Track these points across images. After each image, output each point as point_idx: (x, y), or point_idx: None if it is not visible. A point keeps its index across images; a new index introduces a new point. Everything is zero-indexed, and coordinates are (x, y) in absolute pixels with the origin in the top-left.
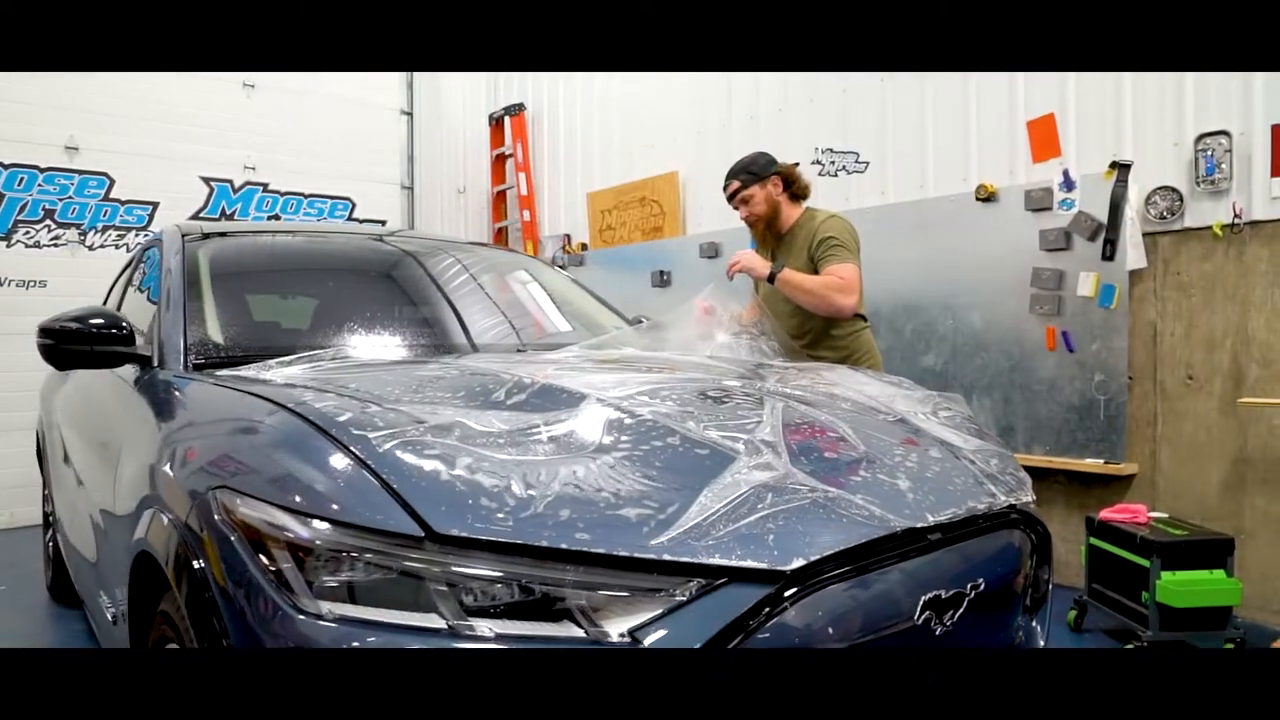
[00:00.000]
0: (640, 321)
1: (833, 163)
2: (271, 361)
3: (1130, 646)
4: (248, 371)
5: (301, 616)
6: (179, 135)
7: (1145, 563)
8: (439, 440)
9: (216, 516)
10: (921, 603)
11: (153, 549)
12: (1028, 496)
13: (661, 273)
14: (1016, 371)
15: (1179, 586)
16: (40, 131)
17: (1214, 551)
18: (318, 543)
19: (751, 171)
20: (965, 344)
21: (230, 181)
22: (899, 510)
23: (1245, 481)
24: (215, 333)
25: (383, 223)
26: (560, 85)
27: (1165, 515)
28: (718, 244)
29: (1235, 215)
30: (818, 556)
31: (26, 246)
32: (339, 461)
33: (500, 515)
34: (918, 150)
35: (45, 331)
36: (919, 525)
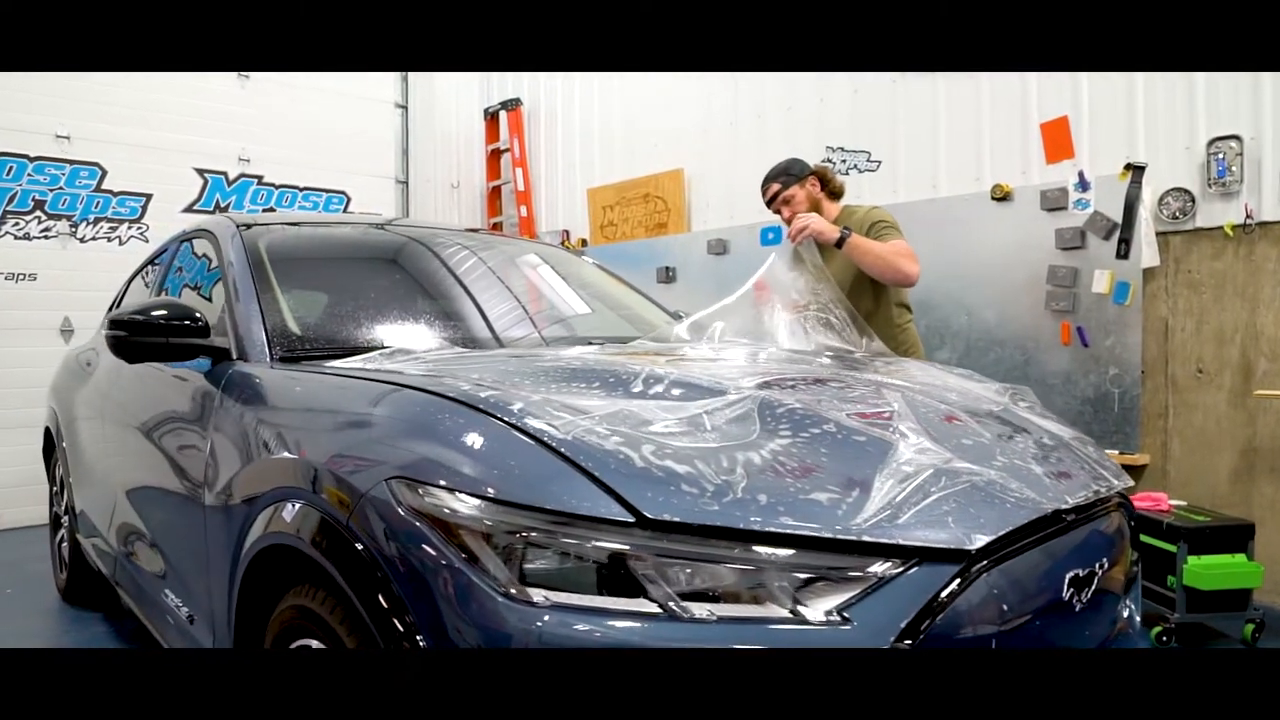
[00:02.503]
0: (680, 316)
1: (844, 161)
2: (375, 354)
3: (1158, 629)
4: (354, 363)
5: (511, 604)
6: (173, 125)
7: (1171, 548)
8: (616, 428)
9: (400, 509)
10: (1067, 580)
11: (295, 543)
12: (1129, 481)
13: (666, 269)
14: (1031, 366)
15: (1205, 570)
16: (30, 119)
17: (1236, 536)
18: (516, 531)
19: (791, 173)
20: (979, 339)
21: (225, 174)
22: (1043, 493)
23: (1254, 470)
24: (292, 324)
25: (378, 216)
26: (558, 81)
27: (1184, 503)
28: (725, 241)
29: (1247, 216)
30: (993, 536)
31: (16, 238)
32: (529, 449)
33: (704, 500)
34: (930, 150)
35: (116, 324)
36: (1063, 507)
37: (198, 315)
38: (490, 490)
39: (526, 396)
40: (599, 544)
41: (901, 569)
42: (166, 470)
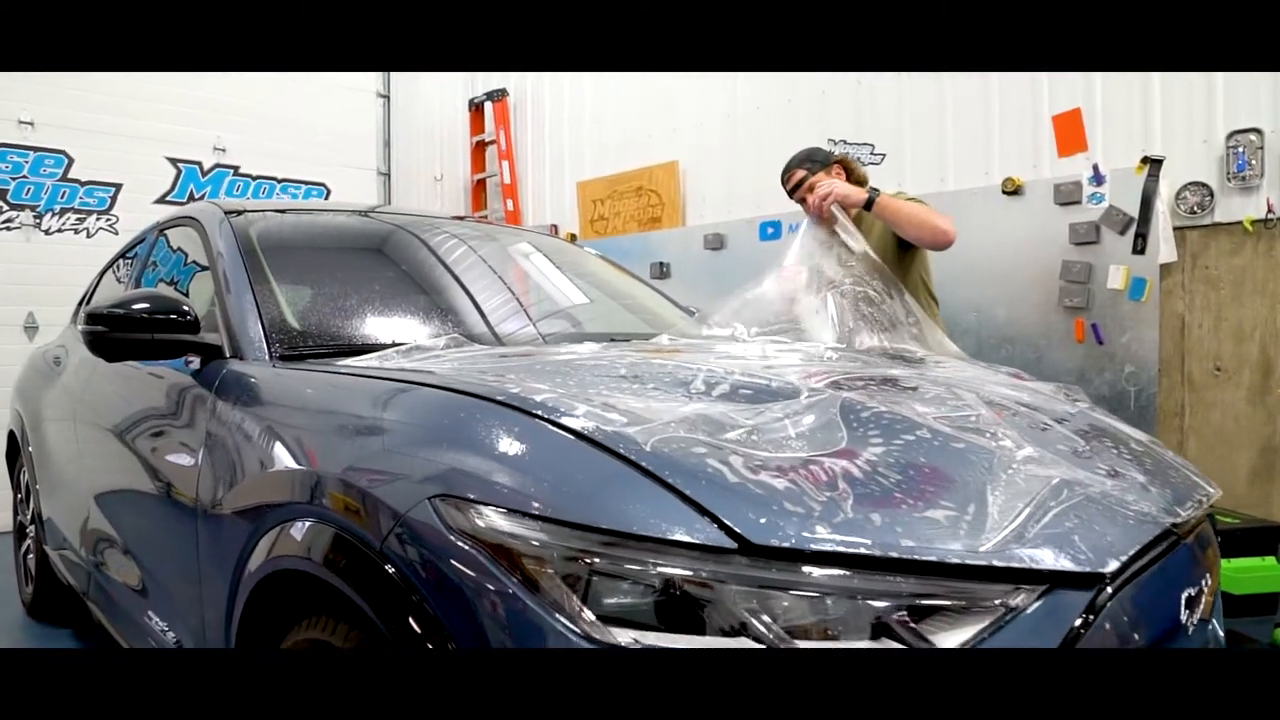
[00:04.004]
0: (692, 313)
1: (846, 154)
2: (390, 351)
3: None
4: (369, 362)
5: (591, 647)
6: (144, 112)
7: None
8: (695, 437)
9: (450, 534)
10: (1183, 601)
11: (308, 568)
12: (1219, 489)
13: (661, 264)
14: (1044, 364)
15: (1237, 573)
16: None
17: (1268, 538)
18: (592, 560)
19: (815, 160)
20: (990, 336)
21: (199, 163)
22: (1155, 505)
23: (1274, 470)
24: (292, 319)
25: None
26: (546, 72)
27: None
28: (722, 235)
29: (1269, 211)
30: (1125, 557)
31: None
32: (602, 463)
33: (812, 521)
34: (937, 143)
35: (95, 318)
36: (1176, 521)
37: (186, 308)
38: (559, 512)
39: (586, 400)
40: (694, 575)
41: (1035, 597)
42: (150, 481)
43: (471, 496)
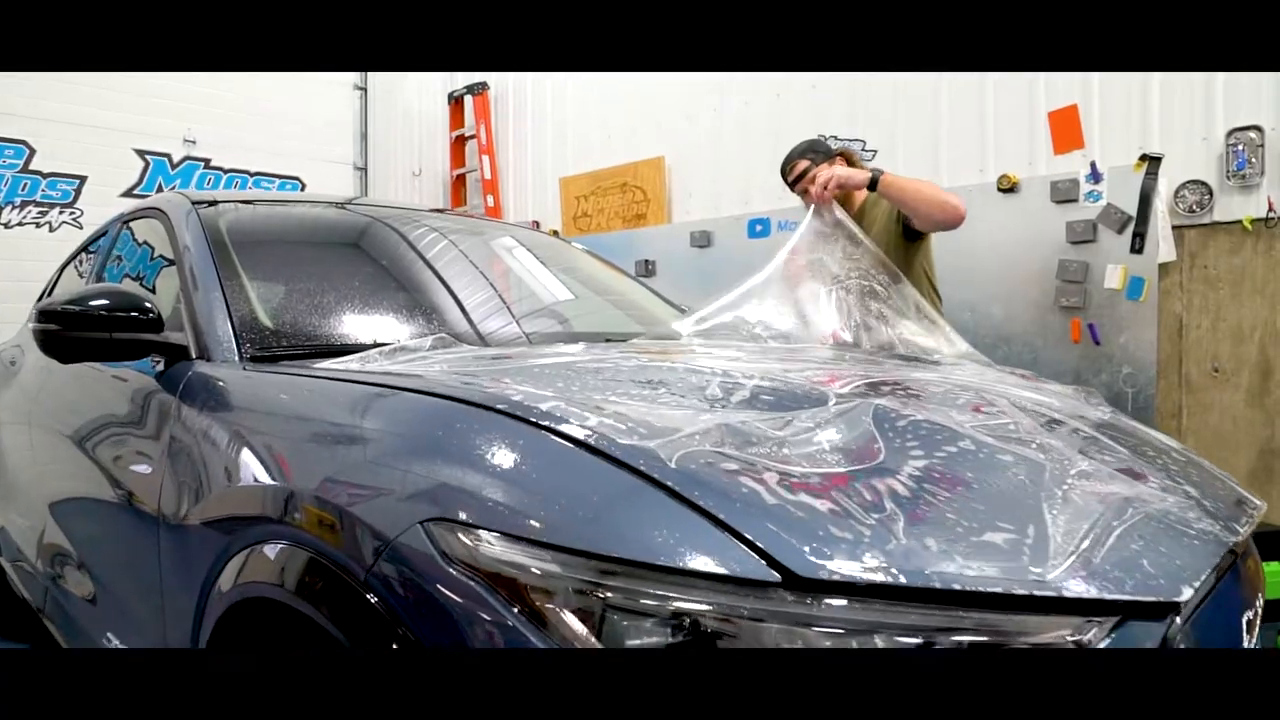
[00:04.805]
0: (685, 310)
1: (847, 147)
2: (371, 352)
3: None
4: (349, 364)
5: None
6: (110, 102)
7: None
8: (722, 451)
9: (448, 565)
10: (1244, 624)
11: (280, 596)
12: (1264, 502)
13: (646, 262)
14: (1040, 364)
15: None
16: None
17: (1276, 544)
18: (613, 595)
19: (817, 150)
20: (986, 335)
21: (168, 156)
22: (1215, 522)
23: (1273, 473)
24: (264, 318)
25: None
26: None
27: None
28: (709, 233)
29: (1269, 210)
30: (1199, 583)
31: None
32: (622, 482)
33: (862, 548)
34: (931, 139)
35: (47, 315)
36: (1236, 539)
37: (148, 305)
38: (571, 538)
39: (596, 408)
40: (729, 612)
41: (1107, 631)
42: (110, 490)
43: (472, 520)
